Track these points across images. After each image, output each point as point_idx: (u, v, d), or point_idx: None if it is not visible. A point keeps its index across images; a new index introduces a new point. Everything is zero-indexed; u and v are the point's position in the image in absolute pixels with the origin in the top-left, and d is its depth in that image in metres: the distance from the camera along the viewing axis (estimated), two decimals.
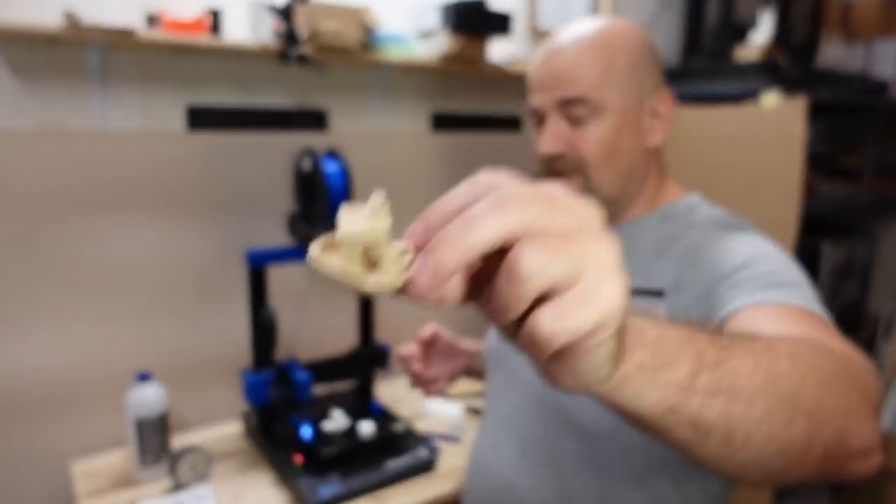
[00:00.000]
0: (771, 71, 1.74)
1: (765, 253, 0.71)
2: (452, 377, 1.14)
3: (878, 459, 0.50)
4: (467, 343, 1.16)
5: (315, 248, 0.32)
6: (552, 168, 0.84)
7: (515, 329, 0.33)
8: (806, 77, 1.94)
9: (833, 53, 2.40)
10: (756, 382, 0.43)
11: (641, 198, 0.87)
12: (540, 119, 0.85)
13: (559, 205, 0.31)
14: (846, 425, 0.48)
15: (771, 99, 1.64)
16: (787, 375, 0.45)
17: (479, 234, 0.30)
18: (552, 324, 0.30)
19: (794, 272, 0.69)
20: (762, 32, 1.91)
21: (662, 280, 0.77)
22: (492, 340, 1.04)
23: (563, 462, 0.83)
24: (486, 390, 1.03)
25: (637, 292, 0.78)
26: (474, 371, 1.15)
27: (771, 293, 0.64)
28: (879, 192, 2.31)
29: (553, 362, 0.34)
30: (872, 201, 2.23)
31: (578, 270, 0.30)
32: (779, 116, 1.63)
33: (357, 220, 0.32)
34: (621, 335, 0.35)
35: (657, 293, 0.76)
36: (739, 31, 2.16)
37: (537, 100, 0.83)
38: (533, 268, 0.30)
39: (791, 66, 1.96)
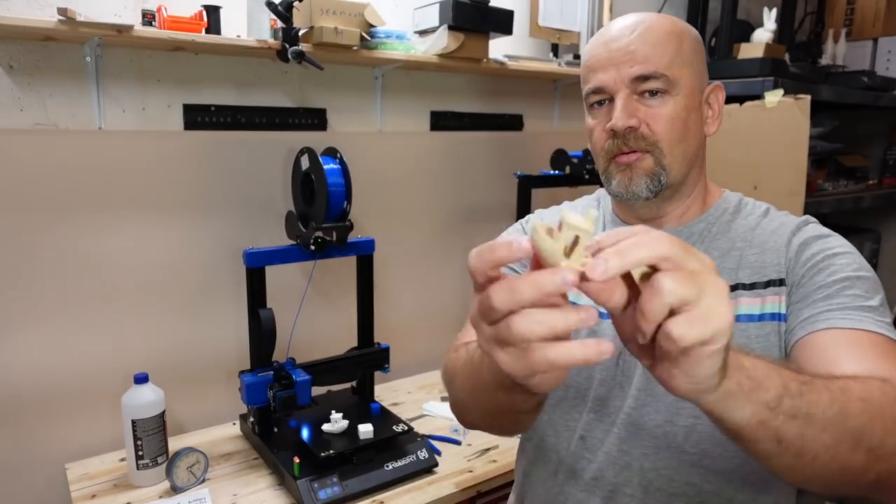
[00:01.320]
0: (775, 69, 1.72)
1: (859, 267, 0.77)
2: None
3: None
4: None
5: (539, 226, 0.43)
6: (624, 145, 0.82)
7: (640, 345, 0.45)
8: (810, 75, 1.92)
9: (838, 51, 2.38)
10: (829, 415, 0.53)
11: (696, 193, 0.88)
12: (601, 100, 0.84)
13: (692, 252, 0.44)
14: None
15: (775, 97, 1.63)
16: (857, 415, 0.55)
17: (637, 254, 0.42)
18: (681, 329, 0.42)
19: (877, 288, 0.75)
20: (766, 30, 1.89)
21: (775, 270, 0.80)
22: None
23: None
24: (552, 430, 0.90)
25: (757, 286, 0.80)
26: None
27: (856, 317, 0.71)
28: (885, 191, 2.29)
29: (675, 366, 0.45)
30: (878, 200, 2.21)
31: (699, 296, 0.42)
32: (782, 115, 1.61)
33: (577, 216, 0.42)
34: (727, 354, 0.46)
35: (779, 282, 0.79)
36: (743, 29, 2.14)
37: (603, 78, 0.82)
38: (669, 288, 0.41)
39: (795, 64, 1.94)
